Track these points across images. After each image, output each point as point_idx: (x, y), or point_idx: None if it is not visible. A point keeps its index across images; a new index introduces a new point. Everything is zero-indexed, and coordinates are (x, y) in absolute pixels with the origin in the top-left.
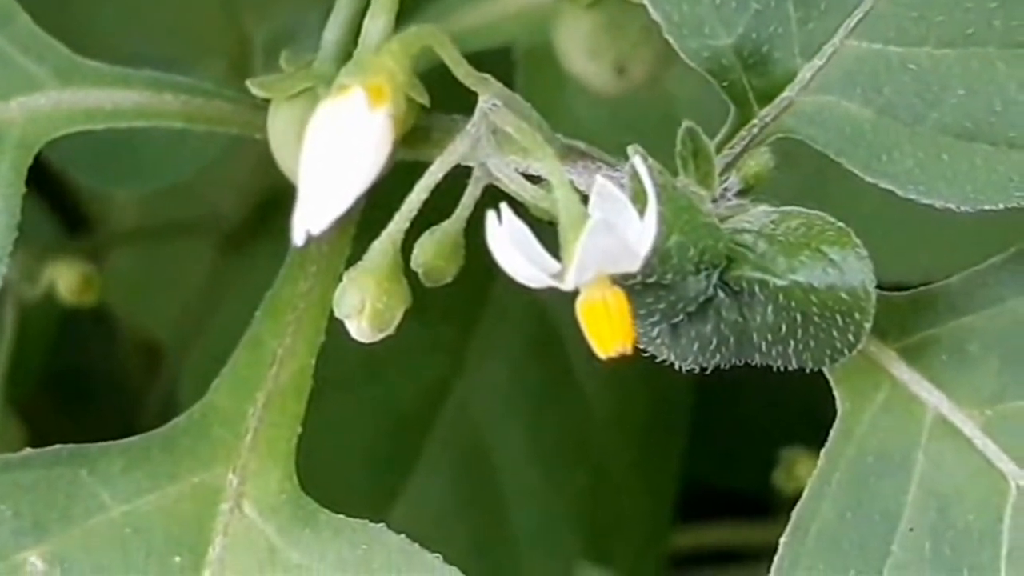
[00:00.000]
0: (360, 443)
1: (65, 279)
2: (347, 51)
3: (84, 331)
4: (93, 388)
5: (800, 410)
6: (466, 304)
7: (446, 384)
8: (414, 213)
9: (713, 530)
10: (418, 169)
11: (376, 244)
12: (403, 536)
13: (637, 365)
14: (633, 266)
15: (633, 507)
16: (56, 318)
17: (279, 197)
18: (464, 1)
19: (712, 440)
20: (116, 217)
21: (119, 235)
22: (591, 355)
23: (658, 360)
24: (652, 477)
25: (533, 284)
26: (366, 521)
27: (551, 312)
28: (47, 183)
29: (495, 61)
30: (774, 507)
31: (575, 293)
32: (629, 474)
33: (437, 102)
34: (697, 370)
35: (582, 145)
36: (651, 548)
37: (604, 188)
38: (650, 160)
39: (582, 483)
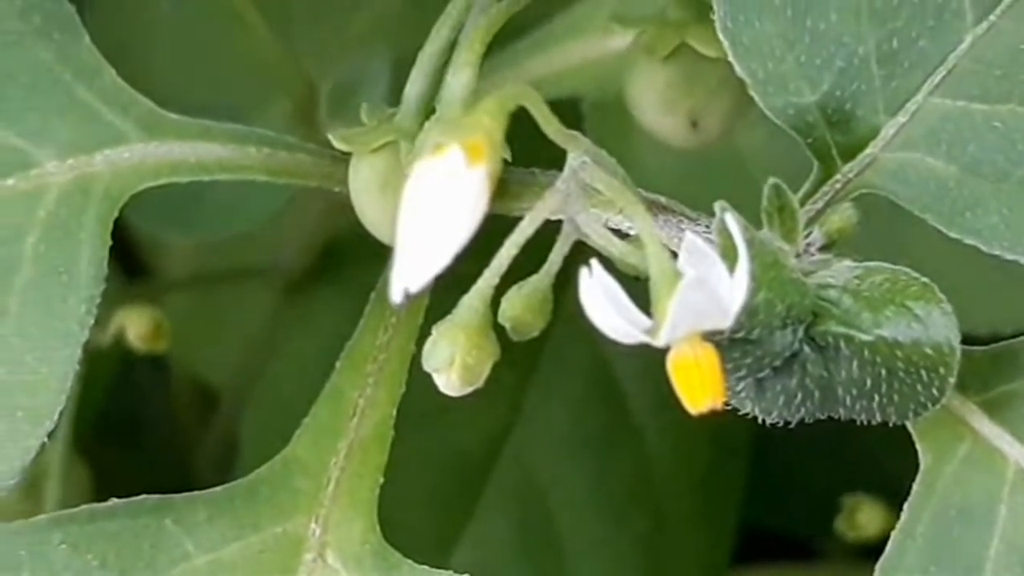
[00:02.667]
0: (424, 487)
1: (135, 326)
2: (428, 104)
3: (140, 377)
4: (149, 434)
5: (858, 457)
6: (525, 350)
7: (506, 429)
8: (504, 268)
9: (767, 573)
10: (495, 222)
11: (465, 299)
12: None
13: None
14: (724, 323)
15: (691, 552)
16: (116, 363)
17: (341, 246)
18: (532, 50)
19: (768, 485)
20: (173, 263)
21: (179, 282)
22: (649, 400)
23: None
24: (711, 522)
25: (624, 339)
26: (450, 572)
27: (609, 358)
28: None
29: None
30: (827, 552)
31: (635, 343)
32: (688, 519)
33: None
34: (784, 423)
35: (663, 199)
36: None
37: (694, 244)
38: (738, 216)
39: (640, 528)
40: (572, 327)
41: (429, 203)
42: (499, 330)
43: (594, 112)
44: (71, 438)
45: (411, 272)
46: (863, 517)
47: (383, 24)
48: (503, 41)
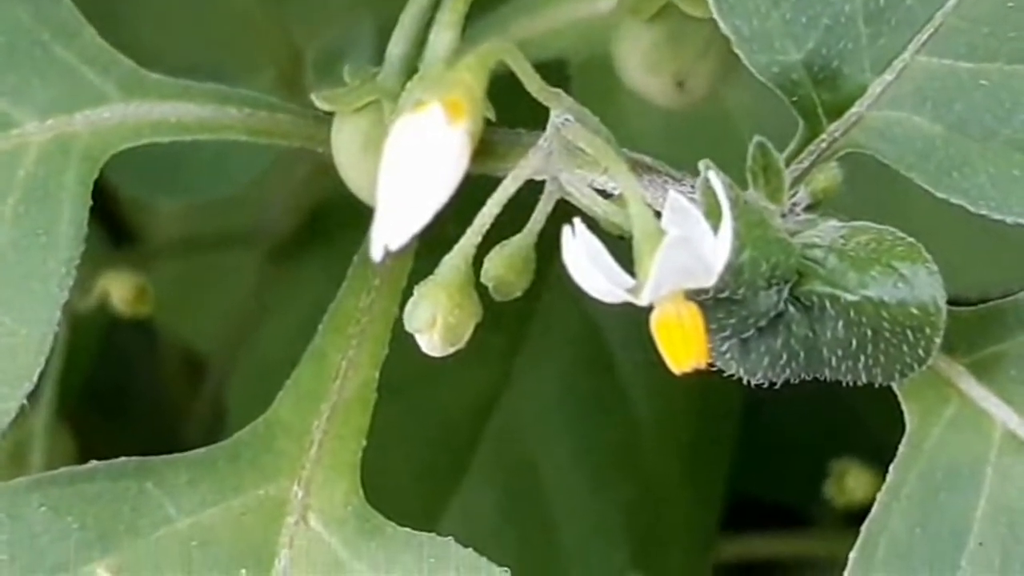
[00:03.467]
0: (411, 452)
1: (118, 290)
2: (410, 64)
3: (127, 343)
4: (135, 400)
5: (846, 422)
6: (514, 315)
7: (494, 395)
8: (486, 227)
9: (759, 541)
10: (479, 182)
11: (448, 259)
12: (470, 550)
13: (685, 377)
14: (708, 281)
15: (680, 518)
16: (100, 331)
17: (326, 209)
18: (518, 13)
19: (758, 452)
20: (159, 228)
21: (165, 246)
22: (639, 365)
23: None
24: (699, 488)
25: (607, 299)
26: (433, 534)
27: (599, 324)
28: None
29: (551, 73)
30: (819, 518)
31: (622, 305)
32: (676, 485)
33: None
34: (747, 382)
35: (648, 159)
36: (698, 559)
37: (678, 203)
38: (722, 174)
39: (629, 494)
40: (561, 293)
41: (409, 160)
42: (489, 297)
43: (581, 73)
44: (55, 405)
45: (391, 230)
46: (852, 482)
47: None
48: (490, 4)
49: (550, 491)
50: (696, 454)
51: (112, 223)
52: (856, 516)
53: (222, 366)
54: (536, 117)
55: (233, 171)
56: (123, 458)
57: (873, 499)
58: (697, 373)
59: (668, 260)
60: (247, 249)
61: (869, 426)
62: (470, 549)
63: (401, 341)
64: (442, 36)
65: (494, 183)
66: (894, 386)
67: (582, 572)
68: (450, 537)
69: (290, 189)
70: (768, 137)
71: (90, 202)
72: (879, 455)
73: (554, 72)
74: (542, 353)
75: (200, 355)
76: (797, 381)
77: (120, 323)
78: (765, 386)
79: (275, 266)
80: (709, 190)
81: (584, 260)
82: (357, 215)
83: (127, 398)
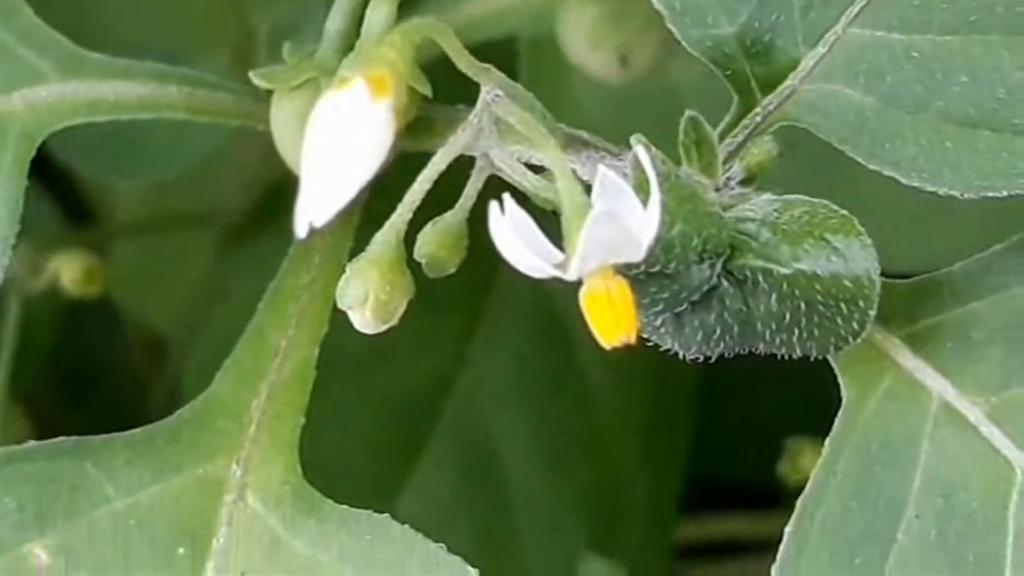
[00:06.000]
0: (366, 433)
1: (68, 271)
2: (350, 42)
3: (88, 323)
4: (97, 380)
5: (805, 401)
6: (471, 294)
7: (451, 374)
8: (416, 204)
9: (719, 521)
10: (423, 160)
11: (379, 235)
12: (407, 526)
13: (642, 356)
14: (636, 256)
15: (638, 499)
16: (60, 311)
17: (283, 189)
18: None
19: (718, 432)
20: (122, 209)
21: (124, 227)
22: (596, 346)
23: (663, 351)
24: (657, 468)
25: (536, 274)
26: (370, 512)
27: (557, 303)
28: (52, 175)
29: (500, 51)
30: (780, 498)
31: (580, 284)
32: (634, 465)
33: (443, 93)
34: (701, 360)
35: (585, 135)
36: (656, 539)
37: (607, 177)
38: (653, 149)
39: (587, 474)
40: (517, 273)
41: (333, 136)
42: (444, 279)
43: (531, 51)
44: (10, 388)
45: (315, 206)
46: (806, 461)
47: None
48: None
49: (507, 472)
50: (654, 435)
51: (75, 205)
52: None
53: (182, 345)
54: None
55: (186, 150)
56: (61, 438)
57: None
58: (653, 351)
59: (595, 234)
60: (207, 229)
61: (828, 404)
62: (406, 526)
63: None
64: (377, 12)
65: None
66: (830, 359)
67: (539, 553)
68: (386, 515)
69: (247, 168)
70: (714, 112)
71: (26, 182)
72: None
73: (505, 51)
74: (498, 334)
75: (162, 334)
76: (732, 355)
77: (83, 304)
78: (721, 364)
79: (233, 246)
80: (639, 165)
81: (511, 235)
82: None
83: (90, 379)
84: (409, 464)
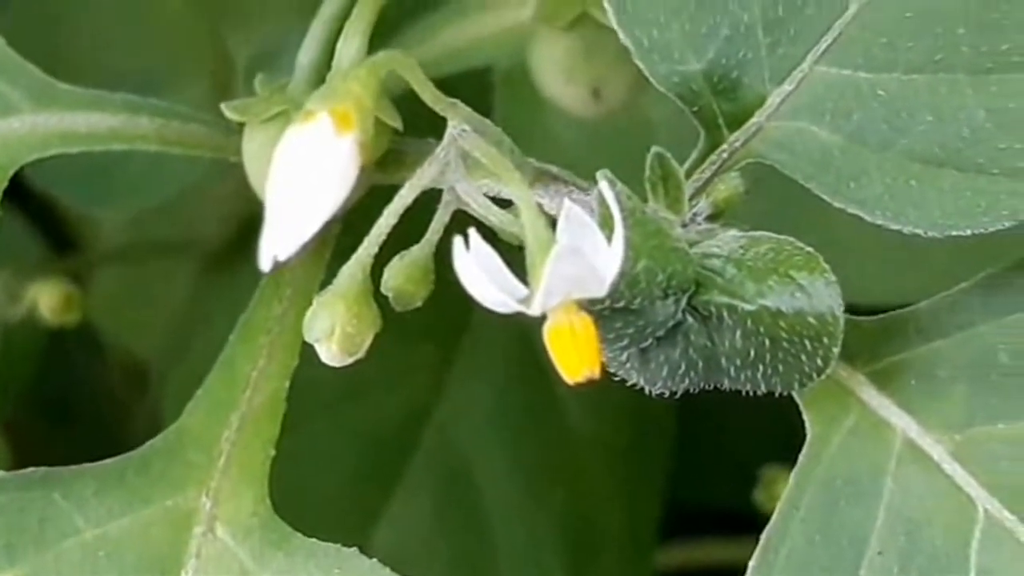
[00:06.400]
0: (342, 465)
1: (46, 299)
2: (323, 74)
3: (69, 351)
4: (79, 408)
5: (781, 428)
6: (448, 326)
7: (428, 406)
8: (383, 237)
9: (698, 548)
10: (394, 193)
11: (345, 268)
12: (375, 560)
13: (619, 387)
14: (600, 291)
15: (616, 526)
16: (42, 339)
17: (260, 219)
18: (443, 23)
19: (695, 458)
20: (104, 238)
21: (104, 255)
22: None
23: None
24: (635, 497)
25: (500, 309)
26: (339, 545)
27: (534, 334)
28: (34, 204)
29: (475, 82)
30: (758, 524)
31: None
32: (612, 494)
33: (421, 124)
34: (671, 393)
35: (554, 169)
36: (635, 566)
37: (571, 212)
38: (619, 185)
39: (565, 504)
40: None
41: (298, 170)
42: (421, 310)
43: (506, 83)
44: None
45: (280, 240)
46: (781, 489)
47: None
48: (419, 13)
49: (485, 501)
50: (631, 462)
51: (57, 234)
52: None
53: (163, 374)
54: None
55: (164, 180)
56: (30, 468)
57: None
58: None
59: (558, 270)
60: (188, 259)
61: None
62: (375, 560)
63: None
64: (348, 46)
65: None
66: (795, 395)
67: None
68: (355, 548)
69: (227, 199)
70: (686, 148)
71: (0, 212)
72: None
73: (479, 83)
74: (476, 365)
75: (143, 363)
76: (697, 391)
77: (64, 331)
78: (698, 392)
79: (214, 275)
80: (604, 200)
81: (475, 270)
82: None
83: (71, 406)
84: (386, 494)
